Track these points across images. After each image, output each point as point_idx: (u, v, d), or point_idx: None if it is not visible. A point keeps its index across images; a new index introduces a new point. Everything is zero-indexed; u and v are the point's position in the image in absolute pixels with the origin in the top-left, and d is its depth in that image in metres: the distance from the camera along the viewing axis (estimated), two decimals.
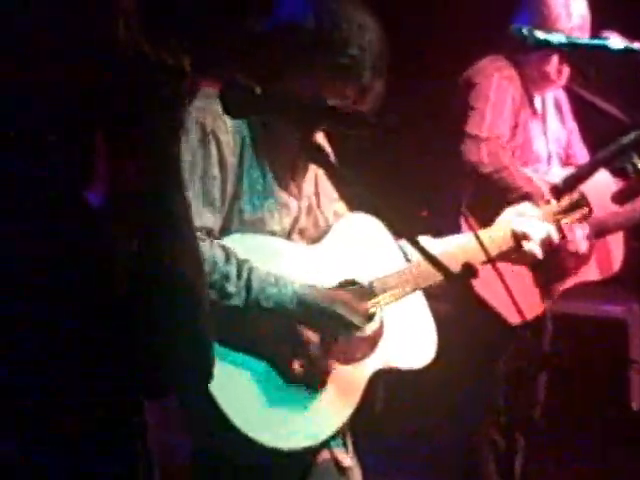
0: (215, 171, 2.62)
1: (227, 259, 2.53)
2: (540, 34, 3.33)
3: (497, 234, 3.01)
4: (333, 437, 2.74)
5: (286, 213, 2.73)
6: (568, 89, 4.07)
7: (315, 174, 2.83)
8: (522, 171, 3.78)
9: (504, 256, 3.02)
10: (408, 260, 2.88)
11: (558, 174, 3.82)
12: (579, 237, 3.79)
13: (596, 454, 5.16)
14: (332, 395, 2.70)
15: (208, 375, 1.69)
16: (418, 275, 2.82)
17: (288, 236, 2.73)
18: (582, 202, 3.22)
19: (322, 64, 2.64)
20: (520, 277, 3.70)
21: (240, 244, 2.61)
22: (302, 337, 2.63)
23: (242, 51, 2.63)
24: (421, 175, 3.95)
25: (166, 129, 1.53)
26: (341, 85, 2.65)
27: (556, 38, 3.34)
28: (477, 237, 2.82)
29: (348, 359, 2.74)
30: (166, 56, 1.50)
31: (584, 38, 3.76)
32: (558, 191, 3.39)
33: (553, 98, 4.08)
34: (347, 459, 2.82)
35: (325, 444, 2.74)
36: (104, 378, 1.59)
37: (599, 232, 3.90)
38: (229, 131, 2.64)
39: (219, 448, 2.65)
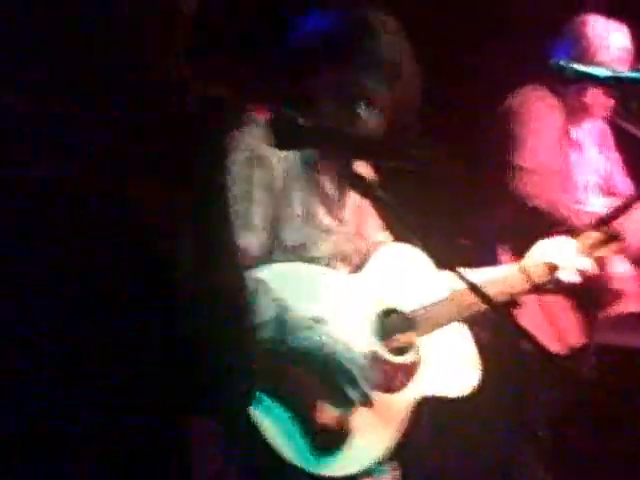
0: (258, 195, 2.66)
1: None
2: (579, 66, 3.35)
3: (533, 265, 3.04)
4: (377, 465, 2.76)
5: (328, 240, 2.77)
6: (610, 121, 4.08)
7: (358, 201, 2.86)
8: (562, 202, 3.79)
9: (541, 287, 3.04)
10: (449, 290, 2.90)
11: (597, 204, 3.83)
12: (620, 272, 3.79)
13: None
14: (373, 423, 2.72)
15: (247, 399, 1.69)
16: (459, 304, 2.84)
17: (330, 263, 2.76)
18: (617, 235, 3.23)
19: (354, 76, 2.69)
20: (561, 307, 3.70)
21: (280, 277, 2.64)
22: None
23: (279, 75, 2.68)
24: (461, 204, 3.96)
25: (211, 159, 1.57)
26: (374, 92, 2.69)
27: (595, 70, 3.36)
28: (521, 268, 2.86)
29: (386, 388, 2.76)
30: (211, 87, 1.54)
31: (624, 70, 3.77)
32: (599, 223, 3.39)
33: (594, 129, 4.09)
34: None
35: (369, 472, 2.75)
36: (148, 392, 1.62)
37: None
38: (274, 157, 2.68)
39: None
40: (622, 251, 3.27)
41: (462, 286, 2.82)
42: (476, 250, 3.57)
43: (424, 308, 2.82)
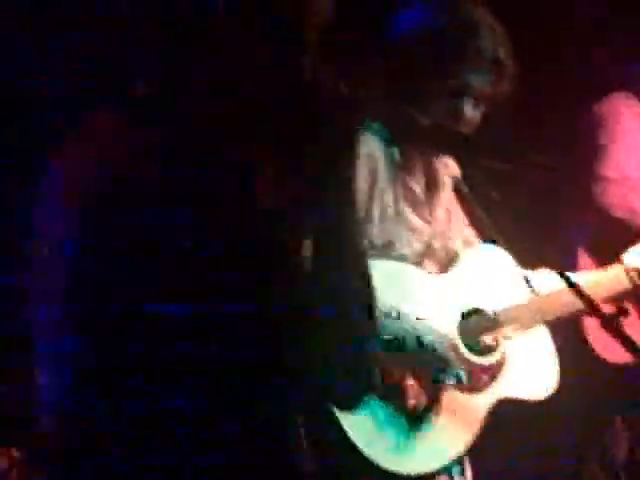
0: (363, 189, 2.68)
1: None
2: None
3: (614, 274, 3.04)
4: (454, 464, 2.77)
5: (417, 238, 2.78)
6: None
7: (447, 202, 2.88)
8: None
9: (622, 296, 3.05)
10: (534, 293, 2.90)
11: None
12: None
13: None
14: (451, 423, 2.73)
15: (365, 392, 1.70)
16: (544, 308, 2.85)
17: (419, 260, 2.78)
18: None
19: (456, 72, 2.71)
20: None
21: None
22: None
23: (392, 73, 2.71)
24: (547, 210, 3.95)
25: (343, 153, 1.59)
26: (481, 91, 2.71)
27: None
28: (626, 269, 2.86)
29: (469, 388, 2.77)
30: (343, 86, 1.57)
31: None
32: None
33: None
34: None
35: (445, 470, 2.76)
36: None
37: None
38: (362, 155, 2.70)
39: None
40: None
41: (547, 289, 2.86)
42: (558, 256, 3.56)
43: (508, 310, 2.83)
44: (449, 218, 2.88)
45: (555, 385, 2.89)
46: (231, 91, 1.57)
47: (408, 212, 2.78)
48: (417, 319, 2.66)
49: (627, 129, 3.80)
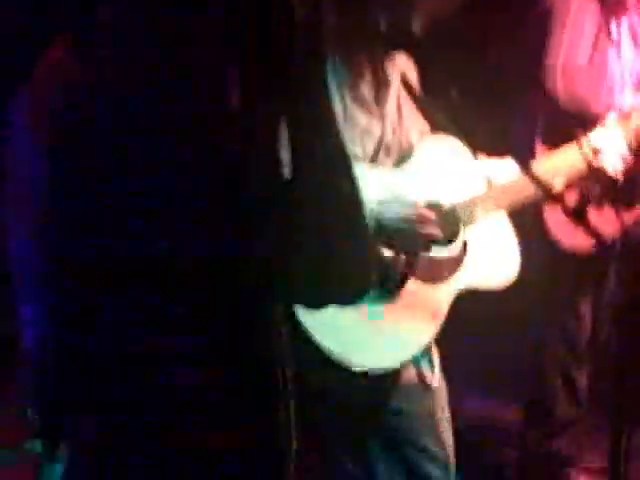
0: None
1: None
2: None
3: (570, 154, 3.06)
4: (420, 355, 2.81)
5: (369, 137, 2.78)
6: None
7: (398, 95, 2.86)
8: (598, 98, 3.78)
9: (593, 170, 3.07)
10: (488, 181, 2.91)
11: (630, 101, 3.82)
12: None
13: None
14: (415, 314, 2.75)
15: (363, 290, 1.67)
16: (500, 196, 2.87)
17: (373, 158, 2.78)
18: None
19: None
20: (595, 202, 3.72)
21: None
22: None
23: None
24: (499, 103, 3.96)
25: (313, 76, 1.56)
26: None
27: None
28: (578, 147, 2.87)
29: (431, 279, 2.79)
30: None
31: None
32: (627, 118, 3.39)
33: (628, 25, 4.06)
34: (433, 377, 2.88)
35: (412, 361, 2.80)
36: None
37: None
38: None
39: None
40: None
41: (504, 178, 2.87)
42: (515, 147, 3.59)
43: (465, 200, 2.84)
44: (400, 113, 2.87)
45: (516, 274, 2.93)
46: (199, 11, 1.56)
47: (358, 114, 2.76)
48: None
49: (576, 18, 3.80)
